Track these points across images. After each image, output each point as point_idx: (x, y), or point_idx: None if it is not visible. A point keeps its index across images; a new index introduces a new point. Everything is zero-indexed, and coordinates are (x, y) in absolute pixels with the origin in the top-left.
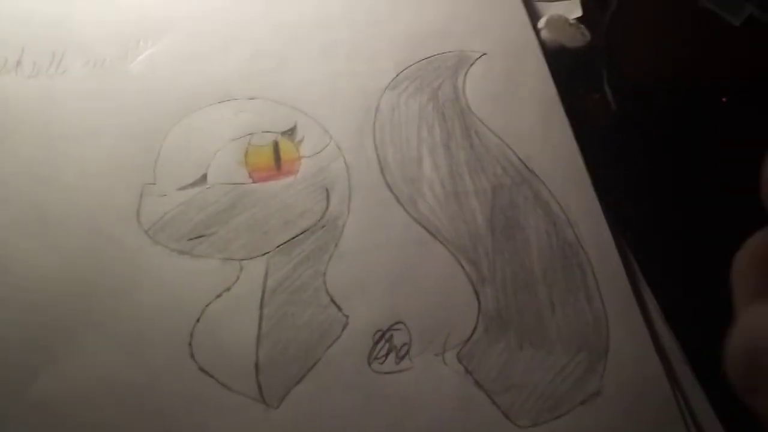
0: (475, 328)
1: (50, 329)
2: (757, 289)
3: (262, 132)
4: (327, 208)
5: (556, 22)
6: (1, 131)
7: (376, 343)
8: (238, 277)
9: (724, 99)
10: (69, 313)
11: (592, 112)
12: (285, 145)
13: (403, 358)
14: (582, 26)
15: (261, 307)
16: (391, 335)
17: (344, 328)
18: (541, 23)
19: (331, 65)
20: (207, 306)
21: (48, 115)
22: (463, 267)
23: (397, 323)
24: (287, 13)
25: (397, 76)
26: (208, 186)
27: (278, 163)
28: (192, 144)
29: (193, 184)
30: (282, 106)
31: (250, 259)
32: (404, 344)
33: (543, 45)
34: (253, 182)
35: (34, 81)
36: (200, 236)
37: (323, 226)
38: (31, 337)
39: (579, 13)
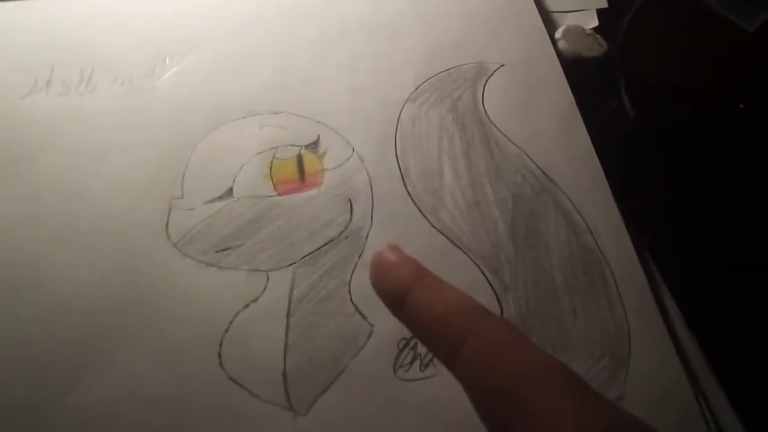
0: None
1: (82, 346)
2: None
3: (286, 145)
4: (350, 219)
5: (573, 32)
6: (33, 149)
7: (401, 351)
8: (265, 288)
9: (741, 105)
10: (100, 329)
11: (609, 120)
12: (309, 158)
13: (427, 365)
14: (598, 36)
15: (288, 316)
16: (416, 343)
17: (369, 336)
18: (558, 33)
19: (352, 79)
20: (235, 316)
21: (78, 133)
22: (485, 275)
23: None
24: (309, 30)
25: (417, 88)
26: (234, 199)
27: (302, 176)
28: (218, 158)
29: (220, 198)
30: (305, 119)
31: (277, 270)
32: (429, 352)
33: (560, 55)
34: (278, 195)
35: (64, 99)
36: (227, 248)
37: (347, 237)
38: (63, 354)
39: (595, 23)
